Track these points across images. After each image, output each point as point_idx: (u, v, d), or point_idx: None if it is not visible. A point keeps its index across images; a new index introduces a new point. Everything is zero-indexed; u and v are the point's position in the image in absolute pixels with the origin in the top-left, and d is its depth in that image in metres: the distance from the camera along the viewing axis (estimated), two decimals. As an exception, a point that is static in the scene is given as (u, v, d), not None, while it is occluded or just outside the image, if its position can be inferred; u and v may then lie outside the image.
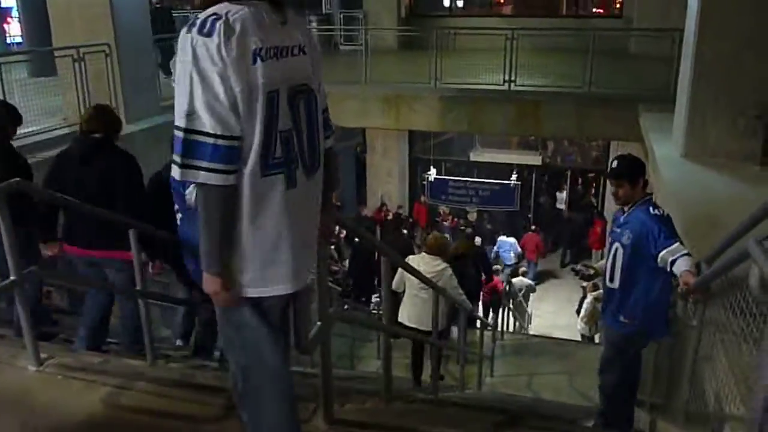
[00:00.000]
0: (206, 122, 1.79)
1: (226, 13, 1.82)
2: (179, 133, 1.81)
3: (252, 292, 1.96)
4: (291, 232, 1.95)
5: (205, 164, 1.80)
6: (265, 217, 1.91)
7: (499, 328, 10.05)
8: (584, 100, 10.74)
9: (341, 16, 16.92)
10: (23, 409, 2.79)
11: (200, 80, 1.78)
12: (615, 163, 3.90)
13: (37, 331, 3.34)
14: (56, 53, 8.52)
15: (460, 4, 19.40)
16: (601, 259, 14.15)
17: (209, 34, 1.78)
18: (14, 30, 18.38)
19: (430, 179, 14.86)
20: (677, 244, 3.54)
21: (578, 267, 11.80)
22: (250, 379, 2.08)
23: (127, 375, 3.18)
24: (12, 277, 3.00)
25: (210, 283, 1.91)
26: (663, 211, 3.74)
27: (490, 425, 3.38)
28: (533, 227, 15.81)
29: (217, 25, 1.79)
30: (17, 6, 14.36)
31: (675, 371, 4.30)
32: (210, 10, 1.84)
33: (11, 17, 18.75)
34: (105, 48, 8.49)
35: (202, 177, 1.81)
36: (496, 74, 11.08)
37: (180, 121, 1.81)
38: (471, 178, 16.28)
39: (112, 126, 4.24)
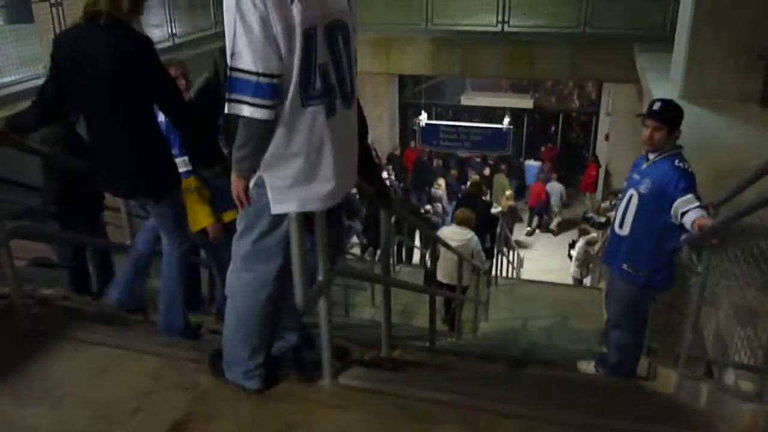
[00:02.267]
0: (248, 61, 1.98)
1: None
2: (228, 71, 2.01)
3: (279, 209, 2.20)
4: (332, 156, 2.17)
5: (248, 99, 2.01)
6: (303, 144, 2.12)
7: (494, 273, 10.08)
8: (579, 40, 10.52)
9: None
10: (13, 371, 2.71)
11: (242, 23, 1.95)
12: (658, 105, 3.69)
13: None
14: (32, -2, 8.15)
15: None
16: (596, 202, 14.29)
17: None
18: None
19: (421, 125, 14.62)
20: (691, 195, 3.42)
21: (589, 214, 11.85)
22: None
23: (121, 333, 3.10)
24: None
25: (236, 184, 2.20)
26: (688, 166, 3.58)
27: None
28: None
29: None
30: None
31: (673, 316, 4.28)
32: None
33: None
34: (83, -9, 8.14)
35: (246, 111, 2.02)
36: (489, 15, 10.79)
37: (228, 60, 2.01)
38: (462, 122, 16.06)
39: None
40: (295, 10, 1.98)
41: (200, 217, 3.89)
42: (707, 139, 5.85)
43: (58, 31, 7.75)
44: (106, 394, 2.57)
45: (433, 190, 14.67)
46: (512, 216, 14.14)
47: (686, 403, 3.28)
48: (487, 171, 15.64)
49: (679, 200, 3.45)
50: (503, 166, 15.94)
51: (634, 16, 10.41)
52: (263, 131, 2.08)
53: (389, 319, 3.49)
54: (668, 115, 3.65)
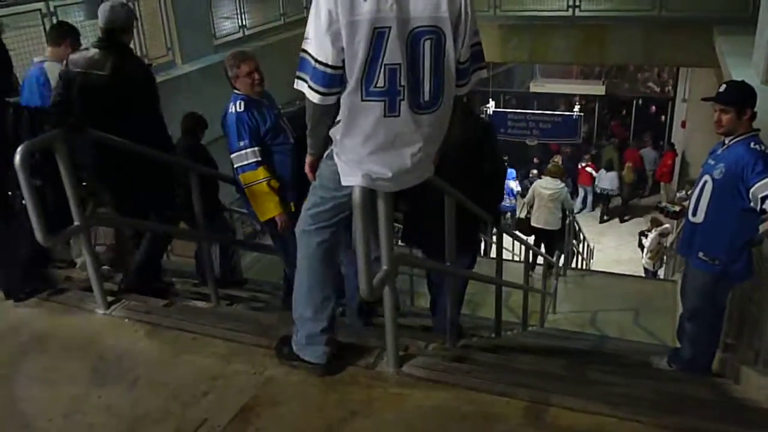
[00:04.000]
0: (312, 47, 2.14)
1: None
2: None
3: (348, 181, 2.27)
4: (384, 151, 2.23)
5: (308, 80, 2.18)
6: (356, 134, 2.21)
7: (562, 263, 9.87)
8: (654, 23, 10.13)
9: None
10: (92, 353, 2.84)
11: (315, 12, 2.11)
12: (723, 88, 3.55)
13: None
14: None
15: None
16: (671, 191, 13.82)
17: None
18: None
19: (489, 112, 14.43)
20: None
21: (663, 204, 11.53)
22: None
23: (192, 318, 3.19)
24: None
25: (307, 160, 2.49)
26: (765, 148, 3.40)
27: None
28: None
29: None
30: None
31: (752, 310, 4.09)
32: None
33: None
34: (157, -15, 8.38)
35: (306, 91, 2.20)
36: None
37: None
38: (531, 109, 15.77)
39: None
40: (366, 8, 2.06)
41: (270, 207, 3.96)
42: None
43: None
44: (177, 376, 2.65)
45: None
46: (632, 187, 15.13)
47: (764, 404, 3.14)
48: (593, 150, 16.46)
49: (757, 185, 3.29)
50: (612, 139, 16.65)
51: (713, -3, 9.95)
52: (320, 114, 2.25)
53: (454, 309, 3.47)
54: (733, 97, 3.49)
